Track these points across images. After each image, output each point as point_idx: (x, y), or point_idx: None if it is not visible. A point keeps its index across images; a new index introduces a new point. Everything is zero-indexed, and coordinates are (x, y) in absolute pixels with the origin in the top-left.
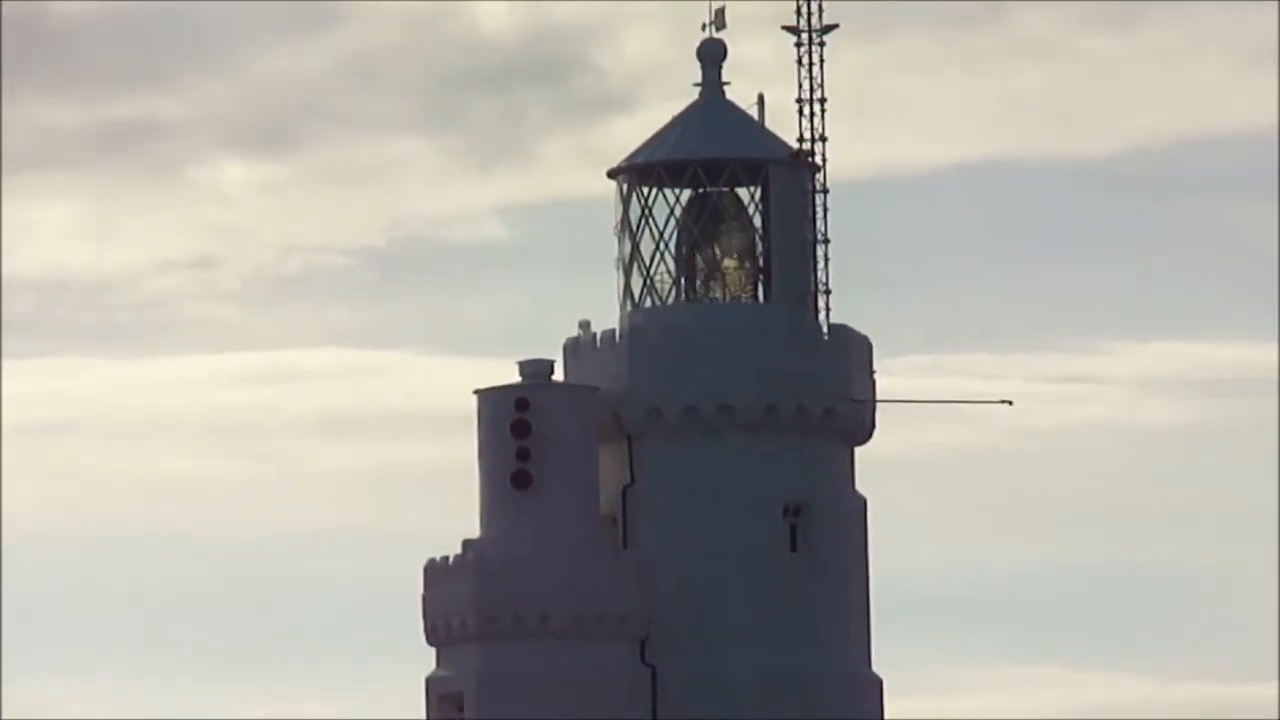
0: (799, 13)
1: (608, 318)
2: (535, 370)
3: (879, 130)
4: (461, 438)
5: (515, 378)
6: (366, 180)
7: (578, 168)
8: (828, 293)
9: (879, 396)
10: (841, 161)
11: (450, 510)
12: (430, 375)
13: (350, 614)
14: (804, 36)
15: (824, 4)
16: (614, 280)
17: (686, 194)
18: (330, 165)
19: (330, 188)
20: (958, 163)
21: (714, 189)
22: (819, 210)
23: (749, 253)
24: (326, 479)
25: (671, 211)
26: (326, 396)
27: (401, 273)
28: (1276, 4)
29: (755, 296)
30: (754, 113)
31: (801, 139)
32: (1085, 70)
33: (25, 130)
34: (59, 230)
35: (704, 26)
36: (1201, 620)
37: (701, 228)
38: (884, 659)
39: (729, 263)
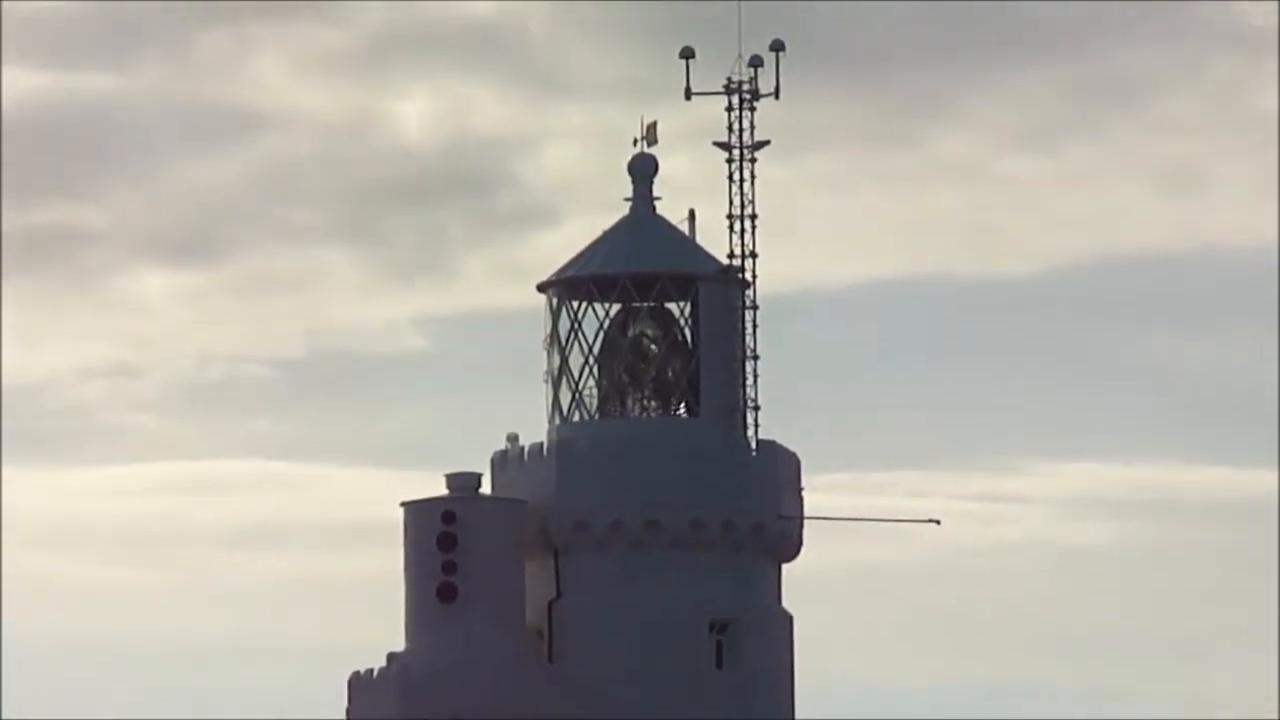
0: (730, 129)
1: (534, 431)
2: (462, 483)
3: (804, 247)
4: (386, 550)
5: (442, 490)
6: (286, 290)
7: (499, 281)
8: (756, 408)
9: (807, 513)
10: (767, 277)
11: (375, 623)
12: (354, 487)
13: None
14: (735, 153)
15: (754, 121)
16: (539, 394)
17: (616, 308)
18: (249, 275)
19: (249, 297)
20: (881, 281)
21: (644, 303)
22: (749, 326)
23: (677, 368)
24: (248, 590)
25: (601, 326)
26: (248, 507)
27: (322, 383)
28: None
29: (684, 411)
30: (685, 228)
31: (732, 255)
32: (1004, 192)
33: None
34: None
35: (635, 141)
36: None
37: (630, 342)
38: None
39: (657, 377)
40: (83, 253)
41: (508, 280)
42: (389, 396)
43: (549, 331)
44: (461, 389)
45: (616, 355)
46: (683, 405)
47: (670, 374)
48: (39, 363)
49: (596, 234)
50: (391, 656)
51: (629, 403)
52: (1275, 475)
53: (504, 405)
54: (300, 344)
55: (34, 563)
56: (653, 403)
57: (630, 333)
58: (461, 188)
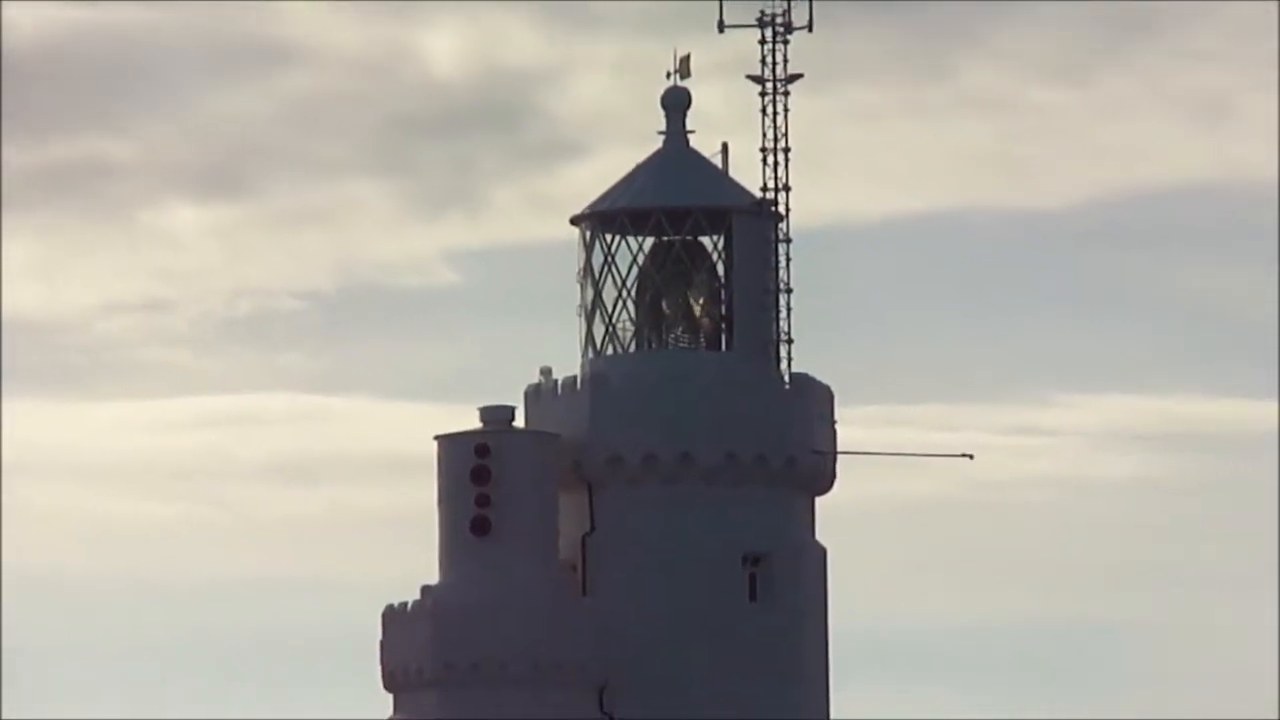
0: (764, 62)
1: (568, 365)
2: (496, 416)
3: (837, 181)
4: (420, 484)
5: (475, 424)
6: (316, 224)
7: (530, 214)
8: (790, 342)
9: (840, 446)
10: (800, 210)
11: (409, 556)
12: (387, 421)
13: (307, 659)
14: (768, 86)
15: (787, 54)
16: (571, 327)
17: (649, 241)
18: (280, 208)
19: (280, 231)
20: (914, 213)
21: (677, 237)
22: (782, 259)
23: (711, 301)
24: (282, 524)
25: (634, 259)
26: (281, 441)
27: (353, 317)
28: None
29: (717, 344)
30: (717, 161)
31: (765, 188)
32: (1035, 123)
33: None
34: (8, 271)
35: (668, 74)
36: (1159, 675)
37: (664, 275)
38: (842, 709)
39: (690, 311)
40: (111, 186)
41: (539, 214)
42: (421, 330)
43: (582, 265)
44: (494, 322)
45: (649, 289)
46: (717, 339)
47: (703, 307)
48: (67, 298)
49: (629, 167)
50: (425, 590)
51: (662, 336)
52: None
53: (537, 338)
54: (331, 278)
55: (65, 498)
56: (686, 336)
57: (662, 268)
58: (492, 121)
